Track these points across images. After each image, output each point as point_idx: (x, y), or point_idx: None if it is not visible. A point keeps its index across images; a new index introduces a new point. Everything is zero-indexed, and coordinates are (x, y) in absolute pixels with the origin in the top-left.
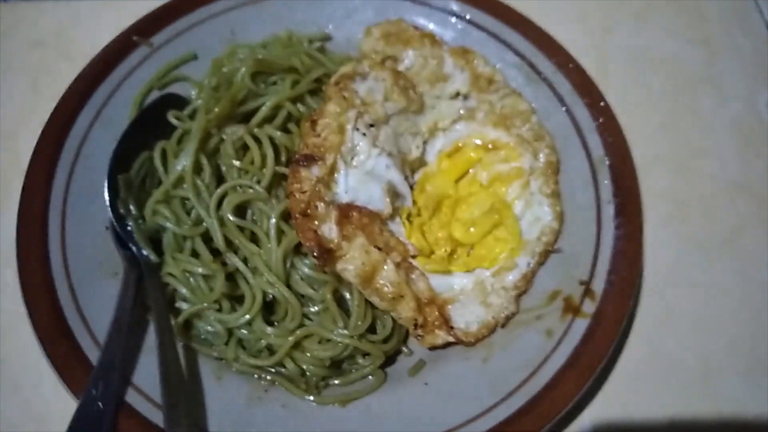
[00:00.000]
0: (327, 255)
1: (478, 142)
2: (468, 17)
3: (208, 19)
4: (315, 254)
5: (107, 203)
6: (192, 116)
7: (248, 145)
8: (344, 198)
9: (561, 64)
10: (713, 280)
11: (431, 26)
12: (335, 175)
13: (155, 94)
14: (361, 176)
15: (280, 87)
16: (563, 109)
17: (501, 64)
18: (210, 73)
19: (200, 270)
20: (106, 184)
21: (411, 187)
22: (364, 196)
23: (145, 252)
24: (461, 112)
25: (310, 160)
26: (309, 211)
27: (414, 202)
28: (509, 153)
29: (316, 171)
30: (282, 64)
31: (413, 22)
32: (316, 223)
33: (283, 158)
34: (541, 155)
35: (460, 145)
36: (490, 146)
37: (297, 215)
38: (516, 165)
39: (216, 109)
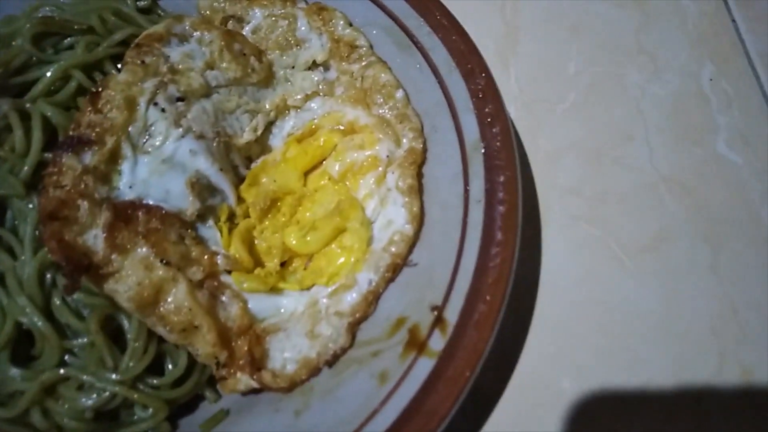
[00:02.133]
0: (88, 272)
1: (335, 124)
2: None
3: None
4: (64, 272)
5: None
6: None
7: (12, 127)
8: (128, 194)
9: (438, 26)
10: (625, 299)
11: None
12: (118, 163)
13: None
14: (156, 165)
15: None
16: (436, 81)
17: (367, 26)
18: None
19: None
20: None
21: (242, 179)
22: (158, 191)
23: None
24: (320, 86)
25: (80, 143)
26: (65, 212)
27: (241, 199)
28: (366, 138)
29: (88, 158)
30: (75, 22)
31: None
32: (75, 228)
33: (61, 138)
34: (404, 141)
35: (313, 127)
36: (345, 129)
37: (44, 218)
38: (371, 153)
39: None
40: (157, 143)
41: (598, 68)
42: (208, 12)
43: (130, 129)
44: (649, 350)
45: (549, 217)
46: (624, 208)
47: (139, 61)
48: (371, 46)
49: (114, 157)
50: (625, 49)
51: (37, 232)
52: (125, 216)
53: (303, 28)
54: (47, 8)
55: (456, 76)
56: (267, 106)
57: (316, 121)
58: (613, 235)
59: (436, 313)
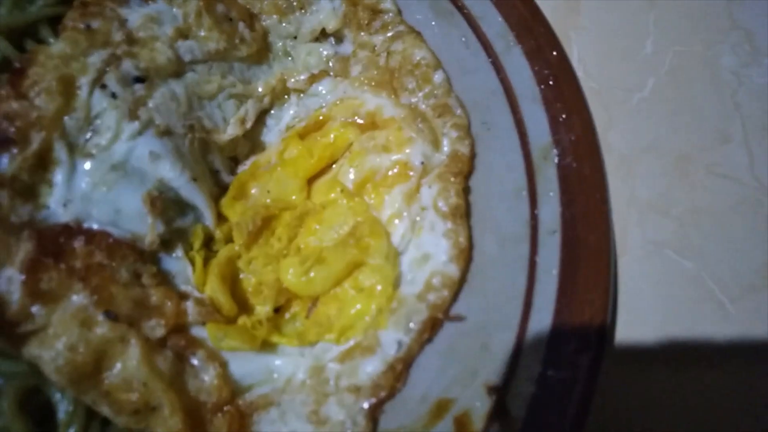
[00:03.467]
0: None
1: (350, 115)
2: None
3: None
4: None
5: None
6: None
7: None
8: (60, 215)
9: None
10: (725, 354)
11: None
12: (48, 171)
13: None
14: (103, 173)
15: None
16: (489, 61)
17: None
18: None
19: None
20: None
21: (225, 189)
22: (105, 210)
23: None
24: (330, 63)
25: None
26: None
27: (222, 218)
28: (393, 136)
29: (4, 164)
30: None
31: None
32: None
33: None
34: (444, 142)
35: (321, 118)
36: (364, 122)
37: None
38: (399, 157)
39: None
40: (104, 142)
41: (681, 47)
42: None
43: (66, 122)
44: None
45: (625, 243)
46: (722, 233)
47: (82, 26)
48: (399, 11)
49: (42, 163)
50: (715, 23)
51: None
52: (55, 248)
53: None
54: None
55: (516, 54)
56: (260, 89)
57: (324, 110)
58: (708, 268)
59: (494, 398)
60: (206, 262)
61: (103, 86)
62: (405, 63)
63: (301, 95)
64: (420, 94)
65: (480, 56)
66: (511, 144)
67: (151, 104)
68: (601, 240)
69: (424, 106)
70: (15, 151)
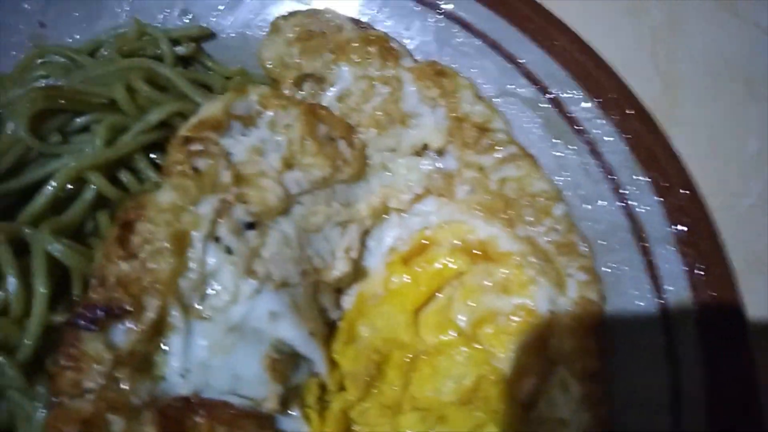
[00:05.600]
0: None
1: (458, 240)
2: (449, 8)
3: None
4: None
5: None
6: None
7: (2, 270)
8: (180, 387)
9: (612, 107)
10: None
11: (386, 21)
12: (164, 338)
13: None
14: (220, 337)
15: (89, 140)
16: (611, 191)
17: (503, 97)
18: None
19: None
20: None
21: (332, 327)
22: (224, 377)
23: None
24: (432, 177)
25: (108, 315)
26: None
27: (334, 365)
28: (513, 275)
29: (121, 337)
30: (92, 94)
31: (355, 13)
32: None
33: (76, 290)
34: (570, 284)
35: (425, 242)
36: (477, 252)
37: None
38: (521, 302)
39: None
40: (222, 304)
41: None
42: (275, 67)
43: (180, 283)
44: None
45: None
46: None
47: (189, 169)
48: (509, 129)
49: (158, 330)
50: None
51: None
52: (176, 425)
53: (411, 99)
54: (51, 58)
55: (643, 186)
56: (362, 211)
57: (429, 232)
58: None
59: None
60: (320, 413)
61: (217, 239)
62: (522, 192)
63: (403, 214)
64: (540, 228)
65: (602, 186)
66: (642, 291)
67: (265, 254)
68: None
69: (544, 242)
70: (130, 321)
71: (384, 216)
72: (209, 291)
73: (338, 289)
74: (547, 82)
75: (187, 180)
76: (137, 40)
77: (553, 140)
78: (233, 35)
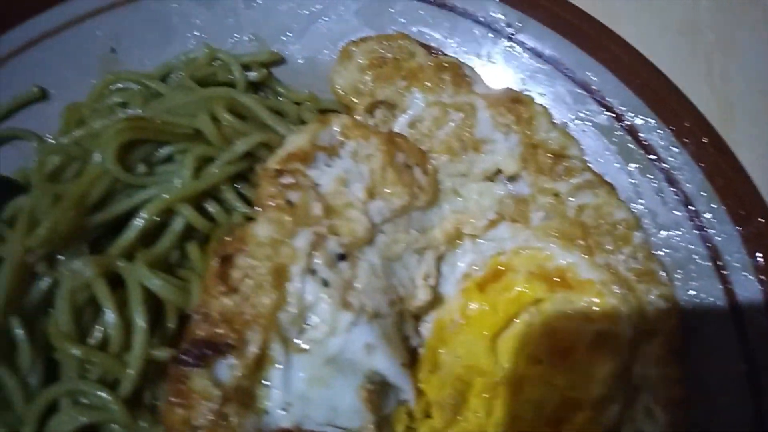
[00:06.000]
0: None
1: (534, 268)
2: (517, 34)
3: (68, 26)
4: None
5: None
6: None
7: (100, 304)
8: (281, 420)
9: (687, 134)
10: None
11: (456, 48)
12: (265, 371)
13: None
14: (318, 369)
15: (175, 171)
16: (688, 218)
17: (575, 123)
18: (62, 131)
19: None
20: None
21: (413, 353)
22: (323, 409)
23: None
24: (505, 202)
25: (213, 351)
26: None
27: (420, 392)
28: (594, 302)
29: (225, 373)
30: (176, 125)
31: (424, 38)
32: None
33: (171, 323)
34: (651, 313)
35: (500, 268)
36: (552, 279)
37: None
38: (606, 328)
39: (45, 227)
40: (320, 336)
41: None
42: (347, 94)
43: (280, 317)
44: None
45: None
46: None
47: (283, 202)
48: (583, 157)
49: (260, 364)
50: None
51: None
52: None
53: (484, 125)
54: (125, 84)
55: (721, 215)
56: (437, 237)
57: (503, 258)
58: None
59: None
60: None
61: (313, 272)
62: (601, 220)
63: (476, 240)
64: (620, 257)
65: (678, 213)
66: (722, 319)
67: (358, 285)
68: None
69: (624, 270)
70: (234, 356)
71: (457, 242)
72: (307, 324)
73: (416, 317)
74: (620, 109)
75: (283, 213)
76: (208, 65)
77: (629, 167)
78: (301, 60)
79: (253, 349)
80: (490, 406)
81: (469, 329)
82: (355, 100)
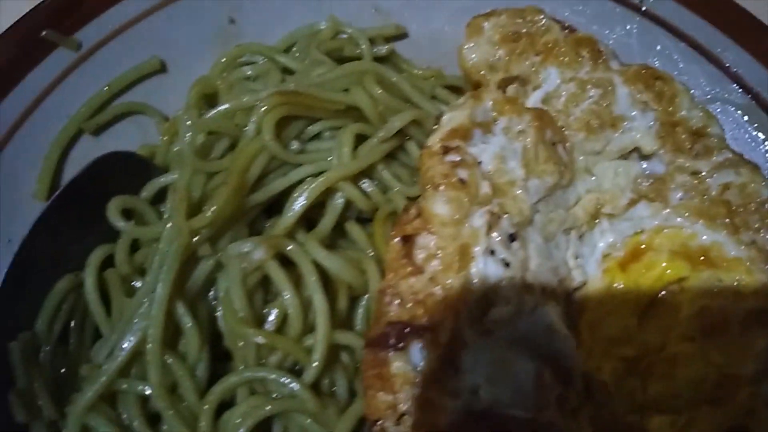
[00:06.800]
0: None
1: (677, 246)
2: (651, 11)
3: None
4: None
5: None
6: (157, 202)
7: (275, 284)
8: (473, 403)
9: None
10: None
11: (586, 24)
12: (454, 356)
13: (87, 146)
14: (502, 352)
15: (330, 148)
16: None
17: (712, 103)
18: (189, 108)
19: None
20: None
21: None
22: (507, 390)
23: None
24: (640, 181)
25: (408, 334)
26: None
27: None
28: (744, 281)
29: (420, 357)
30: (333, 100)
31: (558, 14)
32: None
33: (342, 305)
34: None
35: (642, 247)
36: (694, 257)
37: None
38: (758, 305)
39: (213, 208)
40: (505, 318)
41: None
42: (480, 70)
43: (467, 298)
44: None
45: None
46: None
47: (456, 180)
48: (723, 137)
49: (453, 350)
50: None
51: None
52: None
53: (623, 102)
54: (253, 57)
55: None
56: (580, 215)
57: (644, 237)
58: None
59: None
60: None
61: (492, 252)
62: (747, 199)
63: (613, 220)
64: (766, 235)
65: None
66: None
67: (532, 266)
68: None
69: None
70: (427, 338)
71: (595, 221)
72: (492, 305)
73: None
74: (758, 89)
75: (458, 192)
76: (333, 39)
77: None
78: (424, 34)
79: (446, 331)
80: (645, 382)
81: (615, 309)
82: (487, 76)
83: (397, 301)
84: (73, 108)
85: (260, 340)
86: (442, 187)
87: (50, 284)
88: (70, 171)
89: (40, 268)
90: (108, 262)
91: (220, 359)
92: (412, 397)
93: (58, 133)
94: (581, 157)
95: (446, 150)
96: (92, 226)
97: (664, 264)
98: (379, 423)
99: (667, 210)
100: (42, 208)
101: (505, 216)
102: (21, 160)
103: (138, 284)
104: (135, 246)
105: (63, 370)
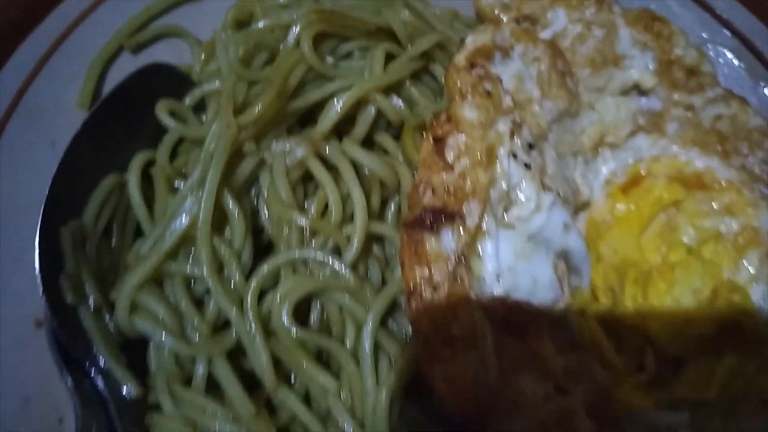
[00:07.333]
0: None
1: (673, 172)
2: None
3: None
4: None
5: (39, 280)
6: (198, 109)
7: (316, 179)
8: (495, 288)
9: None
10: None
11: None
12: (478, 245)
13: (126, 64)
14: (522, 244)
15: (362, 64)
16: None
17: (704, 45)
18: (226, 25)
19: (228, 428)
20: (37, 242)
21: None
22: (526, 281)
23: (120, 382)
24: (639, 119)
25: (441, 218)
26: (454, 330)
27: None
28: (734, 200)
29: (451, 239)
30: (365, 20)
31: None
32: (464, 357)
33: (374, 202)
34: None
35: (642, 173)
36: (689, 181)
37: (431, 342)
38: (748, 221)
39: (259, 107)
40: (526, 213)
41: None
42: (493, 9)
43: (491, 192)
44: None
45: None
46: None
47: (482, 90)
48: (716, 74)
49: (475, 235)
50: None
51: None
52: (506, 320)
53: (625, 41)
54: None
55: None
56: (585, 142)
57: (643, 165)
58: None
59: None
60: None
61: (515, 155)
62: (737, 128)
63: (615, 149)
64: (754, 159)
65: None
66: None
67: (549, 171)
68: None
69: (758, 171)
70: (458, 223)
71: (598, 149)
72: (514, 202)
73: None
74: (748, 35)
75: (486, 100)
76: None
77: (753, 84)
78: None
79: (473, 220)
80: (645, 293)
81: (619, 227)
82: (500, 15)
83: (430, 192)
84: (114, 27)
85: (304, 222)
86: (470, 96)
87: (96, 183)
88: (110, 86)
89: (86, 168)
90: (147, 172)
91: (260, 255)
92: (446, 272)
93: (100, 48)
94: (585, 93)
95: (472, 65)
96: (134, 132)
97: (661, 188)
98: (416, 290)
99: (664, 140)
100: (85, 117)
101: (526, 127)
102: (66, 71)
103: (180, 185)
104: (173, 155)
105: (106, 265)
